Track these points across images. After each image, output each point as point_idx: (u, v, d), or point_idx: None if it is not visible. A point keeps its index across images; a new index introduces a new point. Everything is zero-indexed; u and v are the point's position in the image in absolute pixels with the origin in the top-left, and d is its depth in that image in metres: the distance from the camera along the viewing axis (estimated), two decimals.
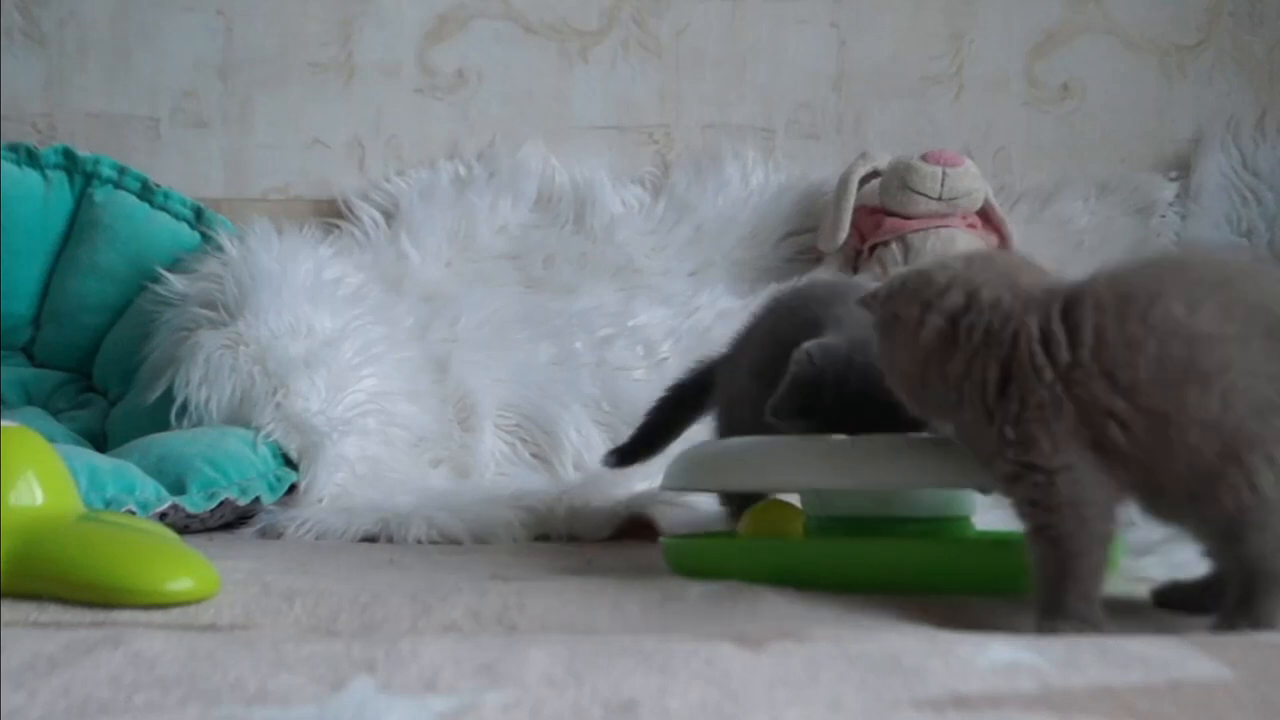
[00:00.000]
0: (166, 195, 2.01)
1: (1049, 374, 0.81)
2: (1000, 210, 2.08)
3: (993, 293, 0.85)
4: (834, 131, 2.22)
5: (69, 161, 2.01)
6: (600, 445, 1.82)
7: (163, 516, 1.41)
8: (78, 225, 2.00)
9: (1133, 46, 2.22)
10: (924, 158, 2.03)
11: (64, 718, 0.56)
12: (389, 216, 2.12)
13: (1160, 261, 0.86)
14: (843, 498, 1.04)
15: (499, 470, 1.82)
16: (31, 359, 2.00)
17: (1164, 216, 2.14)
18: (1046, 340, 0.82)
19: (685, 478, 1.10)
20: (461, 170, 2.17)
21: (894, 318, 0.89)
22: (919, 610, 0.84)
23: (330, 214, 2.14)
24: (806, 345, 1.07)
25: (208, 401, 1.65)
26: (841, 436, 1.02)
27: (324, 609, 0.85)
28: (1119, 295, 0.81)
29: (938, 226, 2.02)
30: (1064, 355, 0.81)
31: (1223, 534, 0.80)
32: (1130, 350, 0.79)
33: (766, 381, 1.19)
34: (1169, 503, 0.82)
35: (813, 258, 2.12)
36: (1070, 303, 0.82)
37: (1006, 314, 0.84)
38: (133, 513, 1.37)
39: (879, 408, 0.95)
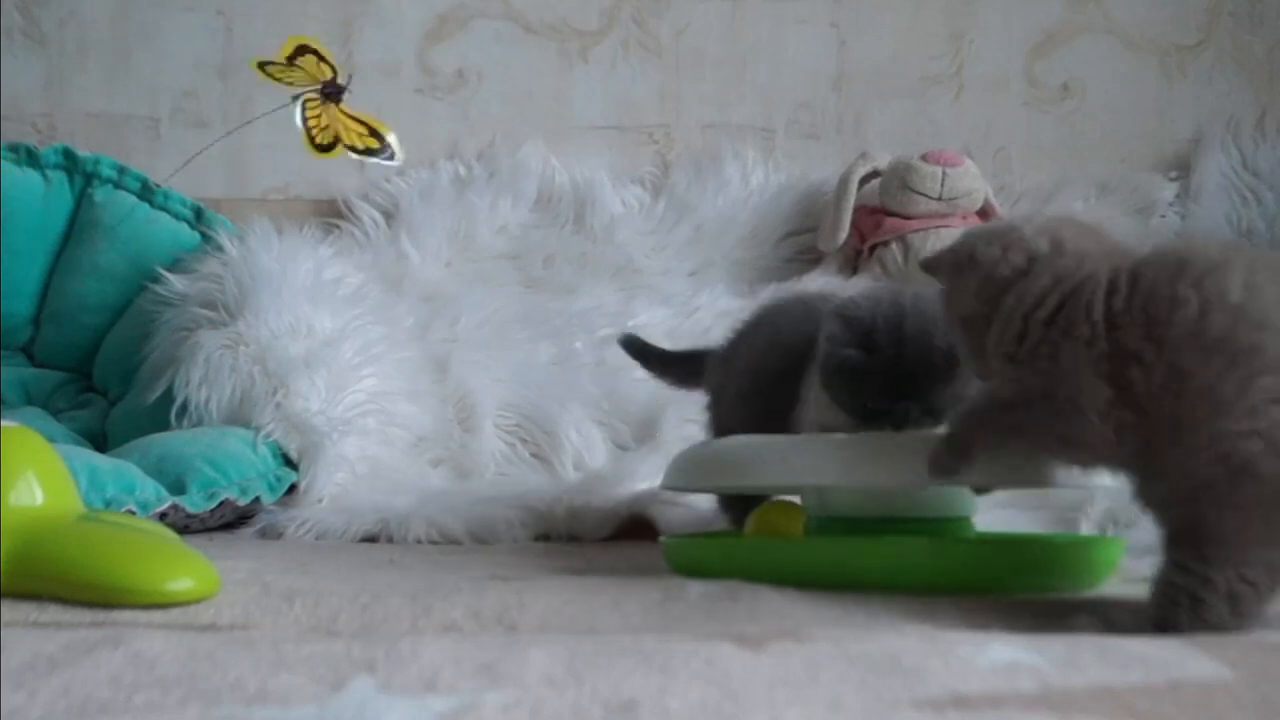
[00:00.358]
0: (166, 195, 2.01)
1: (1098, 312, 0.83)
2: (1000, 210, 2.08)
3: (1077, 244, 0.87)
4: (834, 131, 2.22)
5: (69, 161, 2.01)
6: (600, 445, 1.82)
7: (163, 516, 1.41)
8: (78, 225, 2.00)
9: (1133, 46, 2.22)
10: (924, 158, 2.03)
11: (64, 718, 0.56)
12: (389, 216, 2.13)
13: (1240, 245, 0.87)
14: (843, 497, 1.04)
15: (499, 470, 1.82)
16: (31, 359, 2.00)
17: (1164, 216, 2.14)
18: (1111, 290, 0.83)
19: (685, 478, 1.10)
20: (461, 170, 2.17)
21: (969, 258, 0.91)
22: (919, 610, 0.84)
23: (330, 214, 2.14)
24: (845, 297, 1.08)
25: (208, 401, 1.65)
26: (842, 436, 1.02)
27: (324, 609, 0.85)
28: (1181, 259, 0.82)
29: (938, 226, 2.02)
30: (1119, 304, 0.82)
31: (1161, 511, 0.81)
32: (1172, 306, 0.80)
33: (764, 383, 1.19)
34: (1155, 472, 0.82)
35: (813, 258, 2.13)
36: (1142, 263, 0.84)
37: (1086, 264, 0.86)
38: (133, 513, 1.37)
39: (929, 355, 0.98)
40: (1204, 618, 0.77)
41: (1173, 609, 0.78)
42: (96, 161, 2.01)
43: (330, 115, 1.78)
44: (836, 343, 1.04)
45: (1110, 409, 0.83)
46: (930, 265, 0.96)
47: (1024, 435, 0.87)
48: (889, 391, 1.02)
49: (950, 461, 0.90)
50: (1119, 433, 0.83)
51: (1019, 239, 0.89)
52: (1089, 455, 0.87)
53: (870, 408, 1.03)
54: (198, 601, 0.86)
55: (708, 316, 2.01)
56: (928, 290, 1.06)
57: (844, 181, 2.06)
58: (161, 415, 1.68)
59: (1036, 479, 0.96)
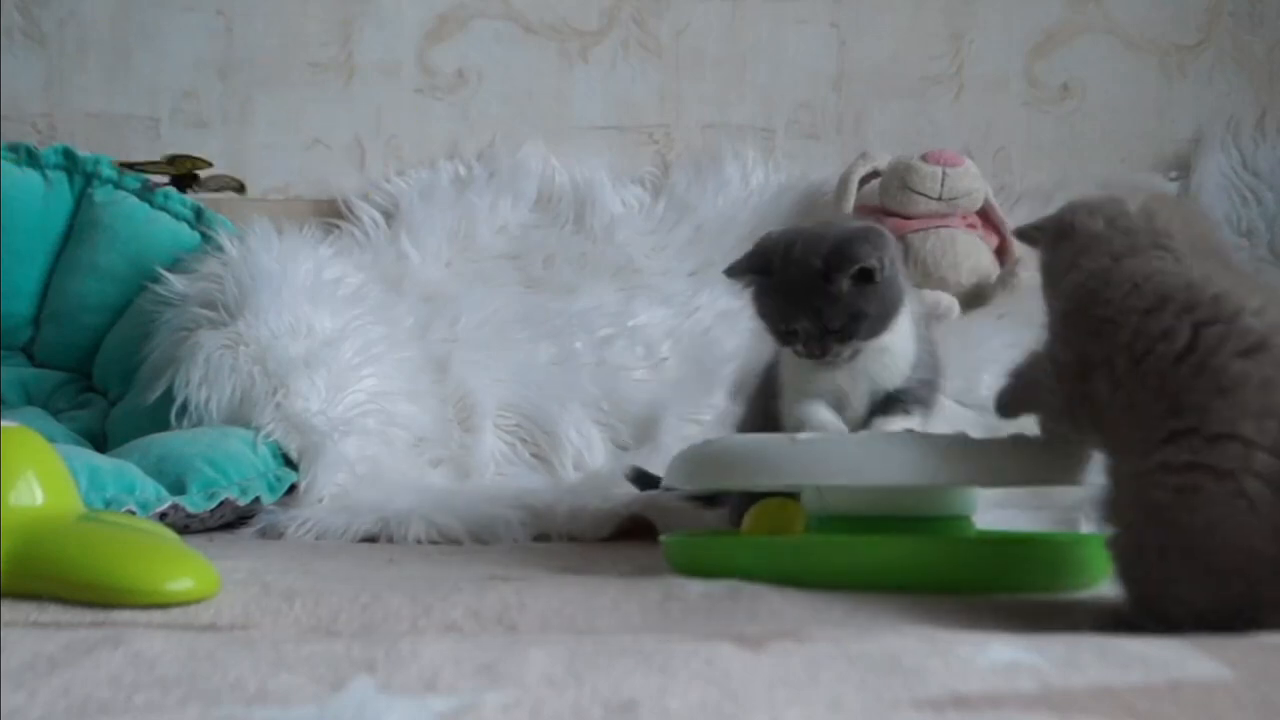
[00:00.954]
0: (166, 195, 2.00)
1: (1112, 308, 0.83)
2: (1000, 210, 2.08)
3: (1166, 230, 0.87)
4: (834, 131, 2.22)
5: (69, 161, 2.01)
6: (600, 445, 1.82)
7: (163, 516, 1.41)
8: (78, 225, 2.00)
9: (1133, 46, 2.22)
10: (924, 158, 2.02)
11: (64, 718, 0.56)
12: (389, 216, 2.12)
13: None
14: (844, 496, 1.04)
15: (499, 470, 1.82)
16: (31, 359, 2.00)
17: None
18: (1134, 290, 0.83)
19: (686, 477, 1.11)
20: (461, 170, 2.17)
21: (1070, 228, 0.91)
22: (919, 610, 0.84)
23: (330, 214, 2.14)
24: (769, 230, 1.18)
25: (208, 401, 1.65)
26: (843, 436, 1.02)
27: (324, 609, 0.85)
28: (1219, 295, 0.80)
29: (938, 226, 2.02)
30: (1124, 302, 0.82)
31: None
32: (1162, 334, 0.80)
33: (767, 377, 1.21)
34: (1111, 480, 0.84)
35: None
36: (1186, 274, 0.83)
37: (1146, 253, 0.86)
38: (133, 513, 1.37)
39: (810, 274, 1.07)
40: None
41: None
42: (96, 161, 2.01)
43: None
44: (735, 271, 1.13)
45: (1080, 401, 0.84)
46: (1027, 232, 0.96)
47: (1038, 393, 0.91)
48: (783, 311, 1.09)
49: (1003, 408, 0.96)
50: (1088, 425, 0.84)
51: (1122, 215, 0.89)
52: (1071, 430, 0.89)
53: (778, 330, 1.11)
54: (198, 601, 0.86)
55: (708, 316, 2.01)
56: (853, 221, 1.13)
57: (844, 181, 2.06)
58: (161, 415, 1.68)
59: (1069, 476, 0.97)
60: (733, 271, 1.14)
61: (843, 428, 1.11)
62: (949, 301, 1.96)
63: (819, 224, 1.17)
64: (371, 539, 1.47)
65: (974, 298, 2.00)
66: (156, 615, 0.82)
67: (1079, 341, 0.86)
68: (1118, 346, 0.82)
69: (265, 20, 2.18)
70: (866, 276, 1.07)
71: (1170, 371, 0.79)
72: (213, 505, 1.47)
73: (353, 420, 1.67)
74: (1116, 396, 0.81)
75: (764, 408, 1.20)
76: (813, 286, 1.07)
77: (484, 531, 1.45)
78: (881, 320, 1.09)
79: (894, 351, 1.12)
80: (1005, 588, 0.94)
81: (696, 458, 1.09)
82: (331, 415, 1.65)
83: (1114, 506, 0.81)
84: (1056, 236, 0.92)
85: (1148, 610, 0.78)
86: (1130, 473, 0.80)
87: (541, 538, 1.46)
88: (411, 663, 0.62)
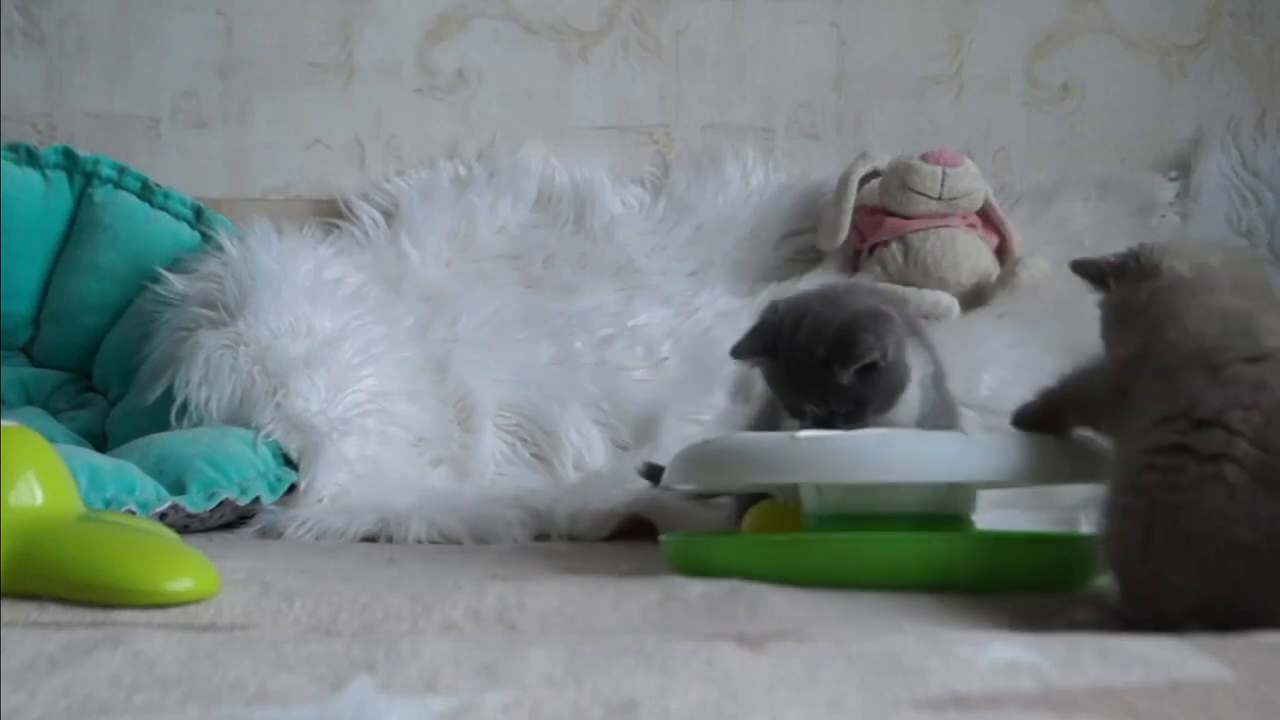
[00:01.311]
0: (166, 195, 2.00)
1: (1165, 331, 0.86)
2: (1000, 210, 2.08)
3: (1242, 282, 0.90)
4: (834, 131, 2.22)
5: (69, 161, 2.01)
6: (600, 445, 1.82)
7: (163, 516, 1.41)
8: (78, 225, 2.00)
9: (1133, 46, 2.22)
10: (924, 158, 2.02)
11: (64, 718, 0.57)
12: (389, 216, 2.12)
13: None
14: (843, 495, 1.04)
15: (499, 470, 1.82)
16: (31, 359, 2.00)
17: (1164, 216, 2.14)
18: (1189, 314, 0.87)
19: (686, 476, 1.11)
20: (461, 170, 2.17)
21: (1152, 269, 0.94)
22: (919, 610, 0.85)
23: (330, 214, 2.14)
24: (775, 299, 1.17)
25: (208, 401, 1.65)
26: (842, 434, 1.03)
27: (324, 609, 0.85)
28: (1248, 324, 0.84)
29: (938, 226, 2.02)
30: (1191, 324, 0.86)
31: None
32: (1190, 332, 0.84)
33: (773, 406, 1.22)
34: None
35: (813, 258, 2.12)
36: (1240, 332, 0.85)
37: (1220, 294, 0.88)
38: (133, 513, 1.37)
39: (812, 362, 1.06)
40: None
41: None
42: (96, 161, 2.01)
43: None
44: (740, 352, 1.13)
45: (1121, 396, 0.86)
46: (1097, 267, 0.98)
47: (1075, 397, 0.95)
48: (790, 394, 1.10)
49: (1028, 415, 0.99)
50: (1116, 420, 0.86)
51: (1206, 264, 0.92)
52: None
53: (789, 405, 1.11)
54: (198, 601, 0.86)
55: (708, 316, 2.01)
56: (860, 292, 1.12)
57: (844, 181, 2.06)
58: (161, 415, 1.68)
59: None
60: (738, 353, 1.14)
61: None
62: (949, 301, 1.96)
63: (824, 297, 1.15)
64: (371, 539, 1.47)
65: (974, 298, 2.00)
66: (156, 615, 0.82)
67: (1139, 340, 0.89)
68: (1167, 343, 0.86)
69: (265, 20, 2.18)
70: (870, 365, 1.07)
71: (1182, 366, 0.82)
72: (213, 505, 1.48)
73: (353, 420, 1.67)
74: (1149, 388, 0.84)
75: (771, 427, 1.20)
76: (817, 376, 1.07)
77: (484, 531, 1.45)
78: (888, 400, 1.10)
79: (899, 419, 1.12)
80: (1005, 588, 0.94)
81: (696, 458, 1.09)
82: (331, 415, 1.65)
83: (1109, 495, 0.83)
84: (1138, 275, 0.94)
85: (1141, 603, 0.79)
86: (1126, 457, 0.82)
87: (541, 538, 1.46)
88: (411, 663, 0.62)
